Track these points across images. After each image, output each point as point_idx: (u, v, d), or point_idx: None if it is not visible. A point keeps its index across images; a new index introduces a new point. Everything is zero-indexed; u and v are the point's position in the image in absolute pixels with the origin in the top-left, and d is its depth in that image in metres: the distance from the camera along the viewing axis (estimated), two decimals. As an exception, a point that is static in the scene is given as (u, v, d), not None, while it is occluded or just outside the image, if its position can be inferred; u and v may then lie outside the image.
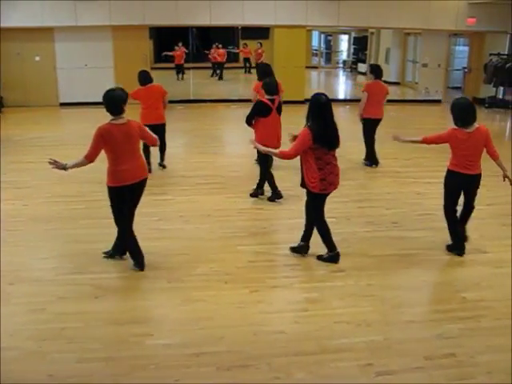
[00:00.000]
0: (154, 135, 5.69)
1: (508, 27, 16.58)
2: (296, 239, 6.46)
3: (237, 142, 12.41)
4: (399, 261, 5.95)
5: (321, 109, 5.52)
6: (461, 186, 5.99)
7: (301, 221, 7.03)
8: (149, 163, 9.18)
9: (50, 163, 5.19)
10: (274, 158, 6.86)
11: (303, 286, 5.35)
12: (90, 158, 5.25)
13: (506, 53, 17.07)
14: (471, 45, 18.41)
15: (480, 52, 17.69)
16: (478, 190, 6.03)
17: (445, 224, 6.94)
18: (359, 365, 4.12)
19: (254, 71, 24.68)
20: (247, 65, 25.50)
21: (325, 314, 4.85)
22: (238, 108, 15.62)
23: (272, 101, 7.48)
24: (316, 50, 32.21)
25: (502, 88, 16.91)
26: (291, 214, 7.33)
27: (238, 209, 7.32)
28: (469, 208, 6.17)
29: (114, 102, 5.28)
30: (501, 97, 17.06)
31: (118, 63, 15.69)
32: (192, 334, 4.50)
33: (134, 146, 5.45)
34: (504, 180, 5.97)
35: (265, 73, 8.85)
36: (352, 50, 30.43)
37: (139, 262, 5.61)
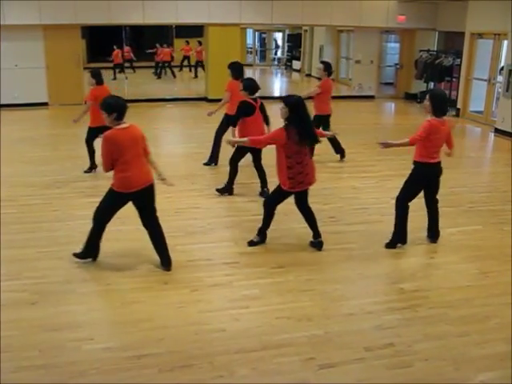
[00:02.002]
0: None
1: (436, 25, 17.11)
2: (233, 236, 6.49)
3: (173, 141, 12.33)
4: (337, 255, 6.04)
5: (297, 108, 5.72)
6: (428, 176, 6.10)
7: (237, 218, 7.08)
8: (92, 160, 8.95)
9: None
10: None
11: (243, 284, 5.36)
12: (105, 169, 5.37)
13: (435, 49, 17.61)
14: (402, 42, 18.87)
15: (411, 48, 18.19)
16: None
17: (380, 217, 7.13)
18: (301, 359, 4.16)
19: (193, 70, 24.64)
20: (187, 63, 25.32)
21: (265, 310, 4.88)
22: (174, 107, 15.47)
23: (255, 100, 7.63)
24: (250, 47, 32.36)
25: (432, 83, 17.39)
26: (228, 212, 7.34)
27: (176, 208, 7.28)
28: (434, 201, 6.26)
29: (123, 108, 5.28)
30: (431, 92, 17.46)
31: (50, 63, 15.18)
32: (132, 337, 4.44)
33: (139, 151, 5.41)
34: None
35: (239, 71, 8.90)
36: (286, 48, 30.72)
37: (89, 253, 5.67)
